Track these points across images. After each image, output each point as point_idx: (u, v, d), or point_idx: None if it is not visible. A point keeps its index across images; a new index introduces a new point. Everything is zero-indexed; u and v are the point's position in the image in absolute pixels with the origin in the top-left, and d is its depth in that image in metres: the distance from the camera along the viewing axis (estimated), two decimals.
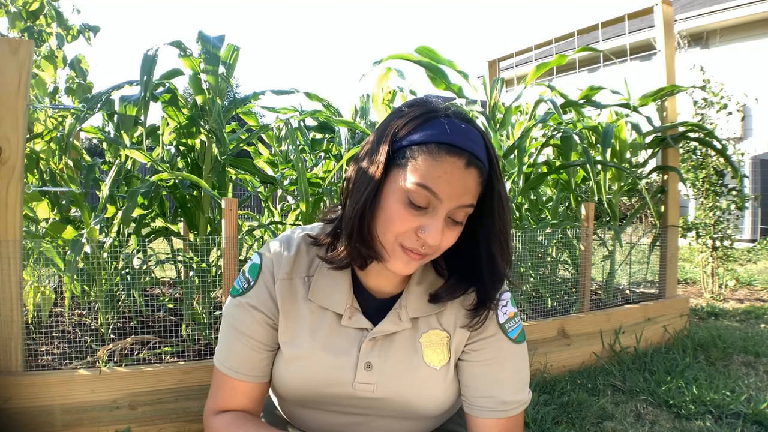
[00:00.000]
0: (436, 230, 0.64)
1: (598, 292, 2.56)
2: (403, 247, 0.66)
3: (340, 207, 0.75)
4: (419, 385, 0.74)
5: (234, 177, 2.26)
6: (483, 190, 0.67)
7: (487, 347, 0.76)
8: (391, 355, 0.74)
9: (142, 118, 1.64)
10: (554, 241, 2.34)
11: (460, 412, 0.86)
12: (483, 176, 0.66)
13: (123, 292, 1.84)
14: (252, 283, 0.76)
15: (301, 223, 2.12)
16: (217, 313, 1.85)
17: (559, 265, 2.47)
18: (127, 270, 1.77)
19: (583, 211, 2.15)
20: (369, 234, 0.67)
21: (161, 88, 1.80)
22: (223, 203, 1.54)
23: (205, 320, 1.77)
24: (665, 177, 2.53)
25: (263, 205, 2.55)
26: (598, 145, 2.38)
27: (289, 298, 0.75)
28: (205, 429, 0.76)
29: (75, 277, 1.64)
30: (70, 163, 1.87)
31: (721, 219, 3.46)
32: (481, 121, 1.98)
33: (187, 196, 1.89)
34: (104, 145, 2.00)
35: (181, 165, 2.03)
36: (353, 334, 0.74)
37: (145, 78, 1.56)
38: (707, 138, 2.64)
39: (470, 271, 0.74)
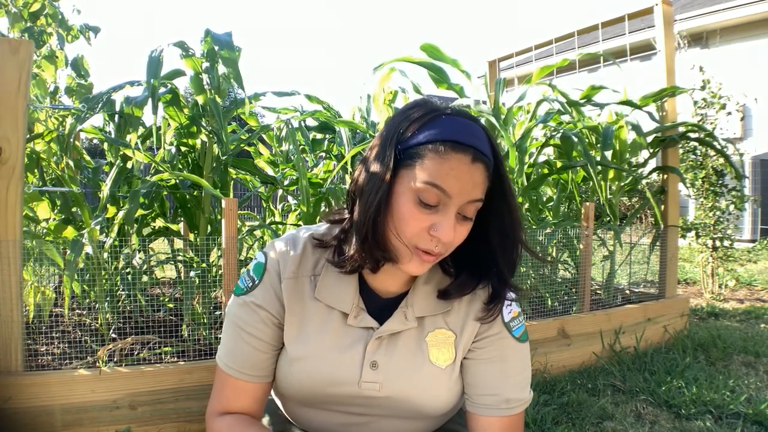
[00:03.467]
0: (448, 227, 0.65)
1: (598, 292, 2.56)
2: (419, 249, 0.67)
3: (346, 209, 0.75)
4: (424, 383, 0.74)
5: (235, 177, 2.26)
6: (490, 184, 0.68)
7: (491, 345, 0.76)
8: (397, 354, 0.74)
9: (150, 120, 1.63)
10: (554, 241, 2.33)
11: (461, 412, 0.86)
12: (489, 170, 0.67)
13: (123, 292, 1.83)
14: (257, 282, 0.76)
15: (302, 223, 2.12)
16: (217, 313, 1.85)
17: (559, 265, 2.47)
18: (128, 270, 1.77)
19: (583, 211, 2.15)
20: (383, 237, 0.67)
21: (163, 89, 1.80)
22: (223, 203, 1.54)
23: (205, 320, 1.77)
24: (665, 177, 2.53)
25: (264, 205, 2.55)
26: (599, 146, 2.39)
27: (296, 297, 0.75)
28: (208, 430, 0.76)
29: (75, 276, 1.64)
30: (71, 163, 1.87)
31: (721, 219, 3.46)
32: (491, 121, 1.96)
33: (187, 196, 1.89)
34: (104, 145, 2.00)
35: (181, 165, 2.02)
36: (359, 333, 0.74)
37: (151, 81, 1.55)
38: (707, 138, 2.64)
39: (479, 266, 0.75)
